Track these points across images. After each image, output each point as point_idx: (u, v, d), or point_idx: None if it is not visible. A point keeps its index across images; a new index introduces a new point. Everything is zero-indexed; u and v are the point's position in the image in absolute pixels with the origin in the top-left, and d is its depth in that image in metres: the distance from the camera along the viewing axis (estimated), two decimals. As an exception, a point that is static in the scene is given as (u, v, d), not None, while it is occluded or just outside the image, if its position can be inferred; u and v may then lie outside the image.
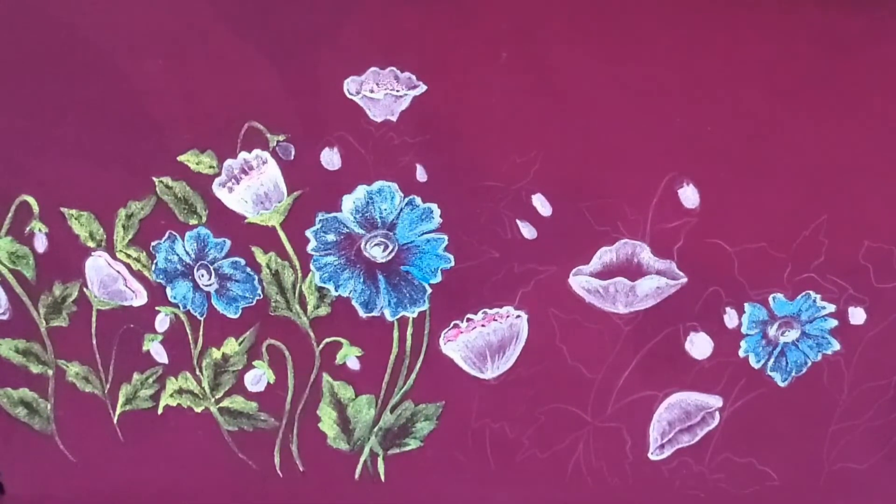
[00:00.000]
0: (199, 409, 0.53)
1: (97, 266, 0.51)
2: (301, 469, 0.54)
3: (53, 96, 0.46)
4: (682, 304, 0.45)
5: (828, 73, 0.39)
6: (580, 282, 0.46)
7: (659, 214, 0.43)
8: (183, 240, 0.49)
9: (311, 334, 0.50)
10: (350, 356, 0.50)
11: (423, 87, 0.42)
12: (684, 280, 0.45)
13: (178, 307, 0.51)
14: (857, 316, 0.44)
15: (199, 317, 0.51)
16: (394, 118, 0.43)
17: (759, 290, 0.44)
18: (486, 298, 0.47)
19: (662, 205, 0.43)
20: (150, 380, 0.53)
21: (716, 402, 0.47)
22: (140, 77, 0.45)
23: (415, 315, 0.48)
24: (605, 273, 0.45)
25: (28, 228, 0.51)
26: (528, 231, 0.45)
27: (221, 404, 0.53)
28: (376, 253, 0.46)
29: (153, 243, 0.49)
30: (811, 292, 0.44)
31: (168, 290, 0.50)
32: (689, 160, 0.42)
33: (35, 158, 0.48)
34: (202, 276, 0.49)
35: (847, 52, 0.38)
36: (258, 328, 0.50)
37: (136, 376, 0.53)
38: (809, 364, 0.46)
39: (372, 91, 0.43)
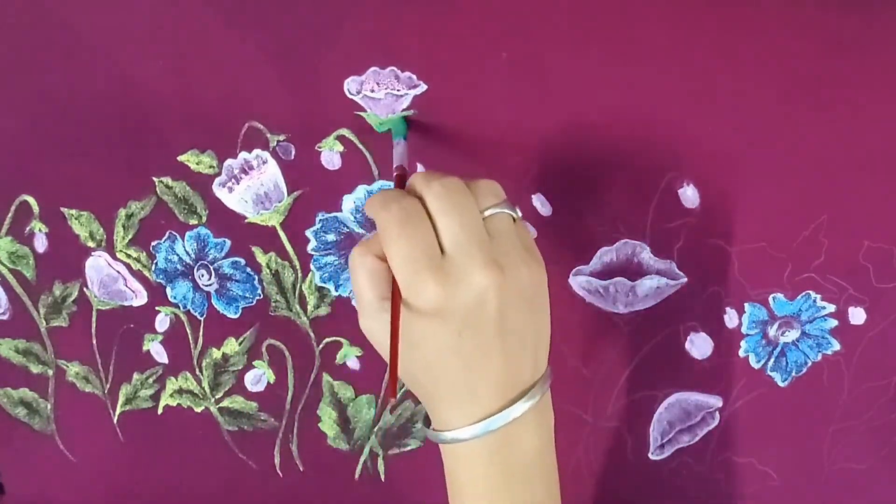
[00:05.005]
0: (199, 409, 0.53)
1: (97, 266, 0.51)
2: (301, 469, 0.54)
3: (53, 96, 0.46)
4: (682, 304, 0.45)
5: (828, 73, 0.39)
6: (580, 282, 0.46)
7: (659, 214, 0.43)
8: (183, 240, 0.49)
9: (311, 334, 0.50)
10: (350, 356, 0.50)
11: (423, 87, 0.42)
12: (684, 280, 0.45)
13: (178, 307, 0.51)
14: (857, 316, 0.44)
15: (199, 317, 0.51)
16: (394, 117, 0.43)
17: (759, 290, 0.44)
18: (486, 298, 0.47)
19: (662, 205, 0.43)
20: (150, 380, 0.53)
21: (716, 402, 0.47)
22: (140, 77, 0.45)
23: (415, 315, 0.48)
24: (605, 273, 0.45)
25: (28, 228, 0.51)
26: (528, 231, 0.45)
27: (221, 404, 0.53)
28: (376, 253, 0.46)
29: (153, 243, 0.49)
30: (811, 292, 0.44)
31: (168, 290, 0.50)
32: (689, 160, 0.42)
33: (35, 158, 0.48)
34: (202, 276, 0.49)
35: (847, 52, 0.38)
36: (258, 328, 0.50)
37: (136, 376, 0.53)
38: (809, 364, 0.46)
39: (372, 91, 0.43)
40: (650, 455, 0.49)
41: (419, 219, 0.32)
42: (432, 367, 0.34)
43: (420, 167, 0.44)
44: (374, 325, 0.34)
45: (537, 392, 0.34)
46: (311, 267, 0.48)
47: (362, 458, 0.53)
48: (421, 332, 0.33)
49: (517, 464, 0.34)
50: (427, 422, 0.37)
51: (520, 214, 0.35)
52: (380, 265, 0.33)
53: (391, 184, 0.45)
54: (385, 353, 0.34)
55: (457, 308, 0.32)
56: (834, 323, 0.44)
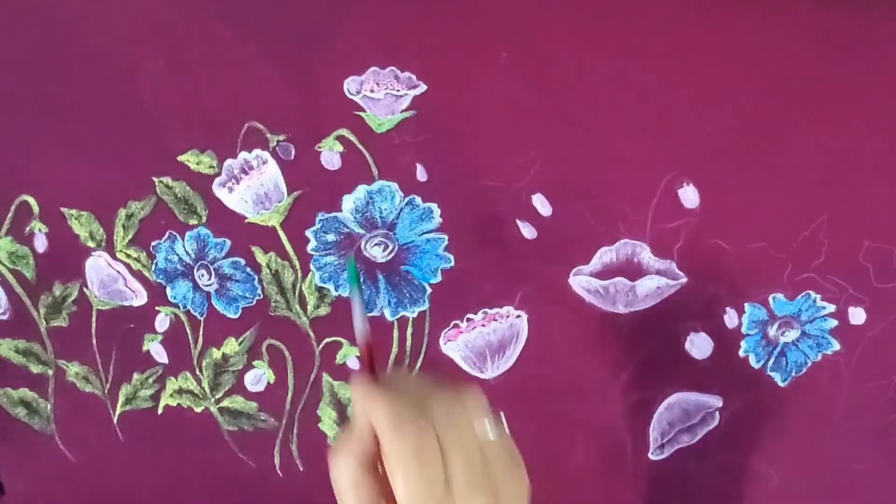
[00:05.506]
0: (199, 409, 0.53)
1: (97, 266, 0.51)
2: (301, 469, 0.54)
3: (53, 96, 0.46)
4: (682, 304, 0.45)
5: (828, 73, 0.39)
6: (580, 282, 0.46)
7: (659, 214, 0.43)
8: (183, 240, 0.49)
9: (311, 334, 0.50)
10: (350, 356, 0.50)
11: (423, 87, 0.42)
12: (684, 280, 0.45)
13: (178, 307, 0.51)
14: (857, 316, 0.44)
15: (199, 317, 0.51)
16: (394, 118, 0.43)
17: (759, 290, 0.44)
18: (486, 298, 0.47)
19: (662, 205, 0.43)
20: (150, 380, 0.53)
21: (716, 402, 0.47)
22: (140, 77, 0.45)
23: (415, 315, 0.48)
24: (605, 273, 0.45)
25: (28, 228, 0.51)
26: (528, 231, 0.45)
27: (221, 404, 0.53)
28: (376, 253, 0.46)
29: (153, 243, 0.49)
30: (811, 292, 0.44)
31: (168, 290, 0.50)
32: (689, 160, 0.42)
33: (35, 158, 0.48)
34: (202, 276, 0.49)
35: (847, 52, 0.38)
36: (258, 328, 0.50)
37: (136, 376, 0.53)
38: (809, 364, 0.46)
39: (372, 91, 0.43)
40: (650, 455, 0.49)
41: (434, 454, 0.32)
42: None
43: (420, 168, 0.44)
44: None
45: None
46: (311, 267, 0.48)
47: (362, 458, 0.52)
48: None
49: None
50: None
51: (505, 425, 0.35)
52: (365, 479, 0.33)
53: (391, 184, 0.45)
54: None
55: None
56: (834, 323, 0.44)
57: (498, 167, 0.44)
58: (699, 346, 0.46)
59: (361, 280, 0.42)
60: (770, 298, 0.44)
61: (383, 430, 0.33)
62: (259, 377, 0.51)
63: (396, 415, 0.33)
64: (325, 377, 0.50)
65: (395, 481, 0.32)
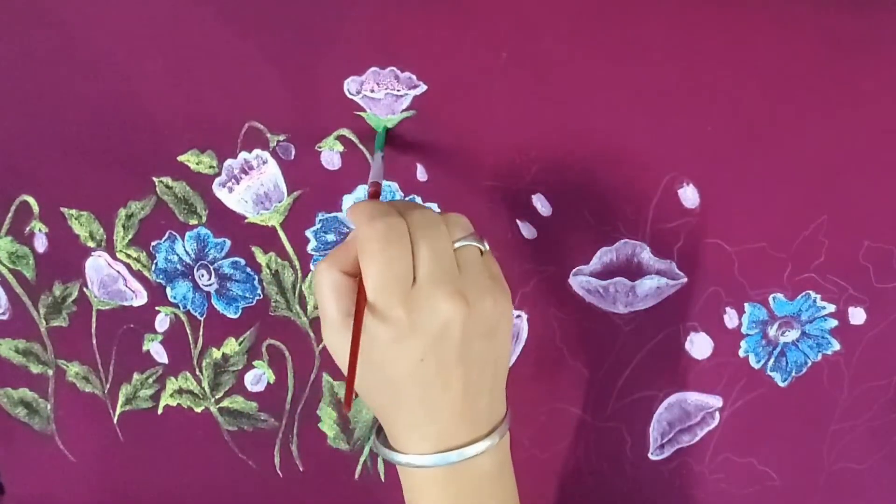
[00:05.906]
0: (199, 409, 0.53)
1: (97, 266, 0.51)
2: (301, 469, 0.54)
3: (53, 96, 0.46)
4: (682, 304, 0.45)
5: (828, 73, 0.39)
6: (580, 282, 0.46)
7: (659, 214, 0.43)
8: (183, 240, 0.49)
9: (311, 334, 0.50)
10: (350, 356, 0.49)
11: (423, 87, 0.42)
12: (684, 280, 0.45)
13: (178, 307, 0.51)
14: (857, 316, 0.44)
15: (199, 317, 0.51)
16: (394, 117, 0.43)
17: (759, 290, 0.44)
18: (486, 298, 0.47)
19: (662, 205, 0.43)
20: (150, 380, 0.53)
21: (716, 402, 0.47)
22: (140, 77, 0.45)
23: (415, 315, 0.48)
24: (605, 273, 0.45)
25: (28, 228, 0.51)
26: (528, 231, 0.45)
27: (221, 404, 0.53)
28: (376, 253, 0.46)
29: (153, 243, 0.49)
30: (811, 292, 0.44)
31: (168, 290, 0.50)
32: (689, 160, 0.42)
33: (35, 158, 0.48)
34: (202, 276, 0.49)
35: (847, 52, 0.38)
36: (258, 328, 0.50)
37: (136, 376, 0.53)
38: (809, 364, 0.46)
39: (372, 91, 0.43)
40: (650, 455, 0.49)
41: (402, 242, 0.33)
42: (392, 390, 0.34)
43: (420, 168, 0.44)
44: (338, 341, 0.34)
45: (496, 436, 0.36)
46: (312, 267, 0.48)
47: (362, 458, 0.53)
48: (383, 354, 0.33)
49: (473, 489, 0.36)
50: (380, 432, 0.38)
51: (487, 248, 0.36)
52: (345, 281, 0.34)
53: (391, 184, 0.45)
54: (346, 369, 0.34)
55: (421, 335, 0.33)
56: (834, 323, 0.44)
57: (498, 167, 0.44)
58: (699, 346, 0.46)
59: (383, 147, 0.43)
60: (770, 298, 0.44)
61: (358, 226, 0.34)
62: (259, 377, 0.52)
63: (371, 211, 0.34)
64: (325, 377, 0.50)
65: (364, 275, 0.33)
